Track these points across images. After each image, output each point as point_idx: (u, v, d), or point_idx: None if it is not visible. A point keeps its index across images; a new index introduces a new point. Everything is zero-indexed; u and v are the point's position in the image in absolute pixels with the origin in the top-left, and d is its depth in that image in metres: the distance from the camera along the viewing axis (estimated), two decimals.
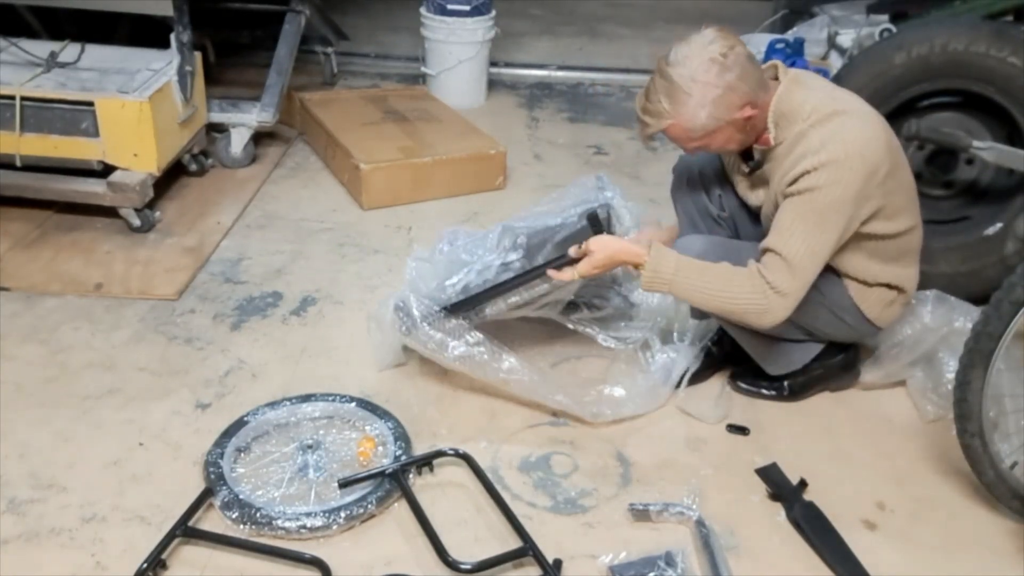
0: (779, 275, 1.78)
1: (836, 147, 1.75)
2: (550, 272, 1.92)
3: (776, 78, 1.88)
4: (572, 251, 1.89)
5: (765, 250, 1.82)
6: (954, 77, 2.36)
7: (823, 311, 1.98)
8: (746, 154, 2.00)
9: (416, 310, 1.92)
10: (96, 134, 2.72)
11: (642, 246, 1.85)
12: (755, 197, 2.04)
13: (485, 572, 1.63)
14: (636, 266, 1.85)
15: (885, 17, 3.38)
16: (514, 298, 1.95)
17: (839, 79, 2.45)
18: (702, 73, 1.74)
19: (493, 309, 1.95)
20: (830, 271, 1.94)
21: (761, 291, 1.78)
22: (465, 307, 1.94)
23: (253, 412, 2.00)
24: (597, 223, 1.94)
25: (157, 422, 2.01)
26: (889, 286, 1.99)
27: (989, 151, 2.24)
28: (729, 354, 2.21)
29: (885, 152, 1.81)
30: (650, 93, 1.81)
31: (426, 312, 1.92)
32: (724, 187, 2.16)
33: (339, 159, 3.29)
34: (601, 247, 1.87)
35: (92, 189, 2.74)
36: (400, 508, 1.80)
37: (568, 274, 1.90)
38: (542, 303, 1.99)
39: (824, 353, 2.13)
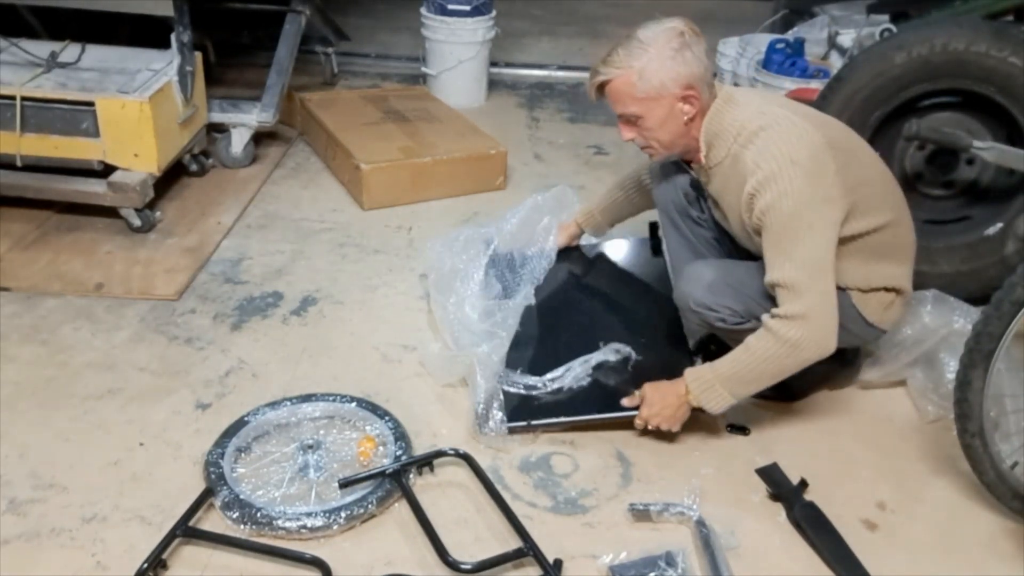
0: (788, 304, 1.79)
1: (767, 163, 1.79)
2: (636, 420, 1.98)
3: (713, 97, 1.92)
4: (625, 401, 1.99)
5: (771, 287, 1.84)
6: (954, 77, 2.36)
7: None
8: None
9: (493, 424, 2.00)
10: (96, 134, 2.72)
11: (678, 380, 1.93)
12: (719, 216, 2.07)
13: (485, 572, 1.63)
14: (685, 396, 1.90)
15: (885, 17, 3.37)
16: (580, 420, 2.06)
17: (839, 79, 2.46)
18: (663, 36, 1.85)
19: (559, 427, 2.06)
20: None
21: (782, 329, 1.79)
22: (541, 426, 2.03)
23: (253, 412, 2.00)
24: (655, 234, 2.52)
25: (157, 422, 2.01)
26: (887, 289, 1.99)
27: (989, 151, 2.24)
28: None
29: (822, 151, 1.81)
30: (612, 49, 1.90)
31: (504, 424, 2.00)
32: (700, 191, 2.16)
33: (339, 159, 3.29)
34: (651, 388, 1.96)
35: (92, 189, 2.74)
36: (400, 508, 1.80)
37: (640, 422, 1.97)
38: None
39: None
